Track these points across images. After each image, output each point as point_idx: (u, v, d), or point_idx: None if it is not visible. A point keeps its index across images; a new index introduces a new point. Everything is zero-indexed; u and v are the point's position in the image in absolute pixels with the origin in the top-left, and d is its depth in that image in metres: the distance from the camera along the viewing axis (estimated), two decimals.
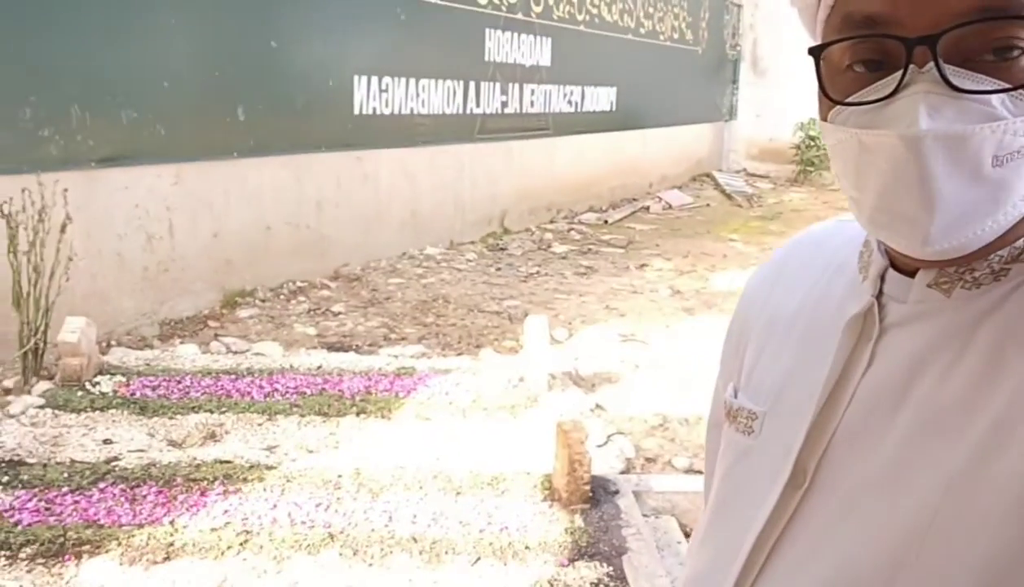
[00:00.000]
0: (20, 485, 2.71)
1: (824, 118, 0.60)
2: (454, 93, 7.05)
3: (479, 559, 2.41)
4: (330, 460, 2.96)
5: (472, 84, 7.24)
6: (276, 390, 3.54)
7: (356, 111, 6.01)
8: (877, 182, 0.56)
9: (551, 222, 8.57)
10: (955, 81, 0.52)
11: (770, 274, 0.79)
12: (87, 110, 4.22)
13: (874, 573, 0.57)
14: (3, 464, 2.85)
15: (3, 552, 2.35)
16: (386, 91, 6.28)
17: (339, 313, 4.98)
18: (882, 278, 0.64)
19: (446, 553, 2.43)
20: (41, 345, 3.58)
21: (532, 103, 8.23)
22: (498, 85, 7.60)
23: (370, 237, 6.27)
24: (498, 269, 6.42)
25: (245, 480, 2.78)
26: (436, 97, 6.84)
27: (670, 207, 10.11)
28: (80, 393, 3.41)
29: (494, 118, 7.62)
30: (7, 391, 3.50)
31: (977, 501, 0.53)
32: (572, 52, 8.67)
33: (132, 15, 4.39)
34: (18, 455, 2.92)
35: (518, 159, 8.10)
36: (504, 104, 7.76)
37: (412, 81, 6.54)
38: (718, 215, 9.80)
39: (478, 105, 7.37)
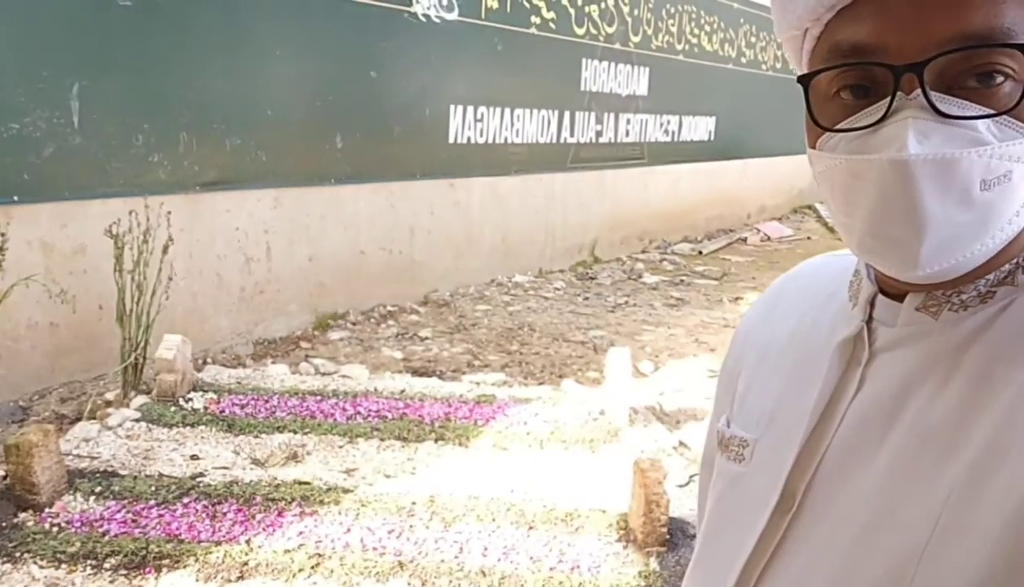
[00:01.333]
0: (111, 496, 2.81)
1: (812, 145, 0.62)
2: (548, 122, 7.07)
3: None
4: (406, 486, 2.96)
5: (567, 114, 7.25)
6: (359, 413, 3.58)
7: (451, 140, 6.10)
8: (867, 207, 0.57)
9: (643, 252, 8.46)
10: (942, 107, 0.54)
11: (763, 308, 0.81)
12: (194, 137, 4.42)
13: None
14: (98, 474, 2.97)
15: (89, 561, 2.44)
16: (481, 121, 6.36)
17: (426, 338, 5.02)
18: (872, 304, 0.65)
19: None
20: (141, 360, 3.74)
21: (627, 132, 8.17)
22: (593, 115, 7.59)
23: (460, 263, 6.33)
24: (586, 298, 6.36)
25: (322, 502, 2.81)
26: (530, 126, 6.88)
27: (768, 239, 9.84)
28: (173, 408, 3.54)
29: (588, 147, 7.61)
30: (108, 403, 3.66)
31: (972, 521, 0.53)
32: (670, 82, 8.59)
33: (240, 46, 4.59)
34: (112, 466, 3.04)
35: (611, 188, 8.05)
36: (599, 133, 7.74)
37: (507, 111, 6.60)
38: (819, 248, 9.45)
39: (572, 134, 7.37)
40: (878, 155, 0.55)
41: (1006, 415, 0.54)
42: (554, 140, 7.17)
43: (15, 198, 3.65)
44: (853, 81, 0.58)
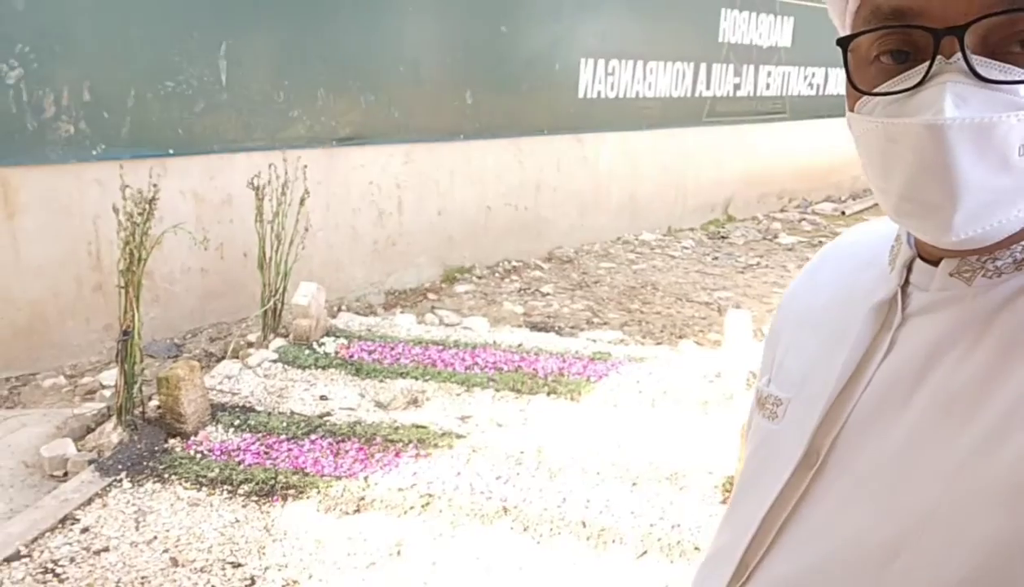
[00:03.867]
0: (248, 429, 3.07)
1: (851, 109, 0.61)
2: (683, 76, 6.89)
3: (645, 553, 2.39)
4: (516, 435, 3.06)
5: (703, 66, 7.03)
6: (477, 363, 3.71)
7: (581, 94, 6.07)
8: (903, 171, 0.56)
9: (781, 211, 8.16)
10: (982, 71, 0.53)
11: (809, 273, 0.81)
12: (331, 93, 4.63)
13: (876, 551, 0.58)
14: (237, 409, 3.24)
15: (226, 486, 2.69)
16: (612, 74, 6.28)
17: (547, 294, 5.09)
18: (909, 269, 0.65)
19: (613, 542, 2.43)
20: (279, 306, 4.00)
21: (768, 86, 7.85)
22: (731, 67, 7.33)
23: (586, 220, 6.33)
24: (715, 258, 6.23)
25: (436, 446, 2.95)
26: (664, 80, 6.73)
27: None
28: (307, 351, 3.78)
29: (725, 101, 7.36)
30: (250, 344, 3.96)
31: (982, 485, 0.54)
32: (816, 32, 8.12)
33: (376, 5, 4.73)
34: (250, 402, 3.31)
35: (749, 144, 7.78)
36: (737, 87, 7.47)
37: (640, 64, 6.48)
38: None
39: (708, 88, 7.16)
40: (914, 119, 0.54)
41: None
42: (689, 94, 6.99)
43: (170, 151, 3.97)
44: (893, 45, 0.58)
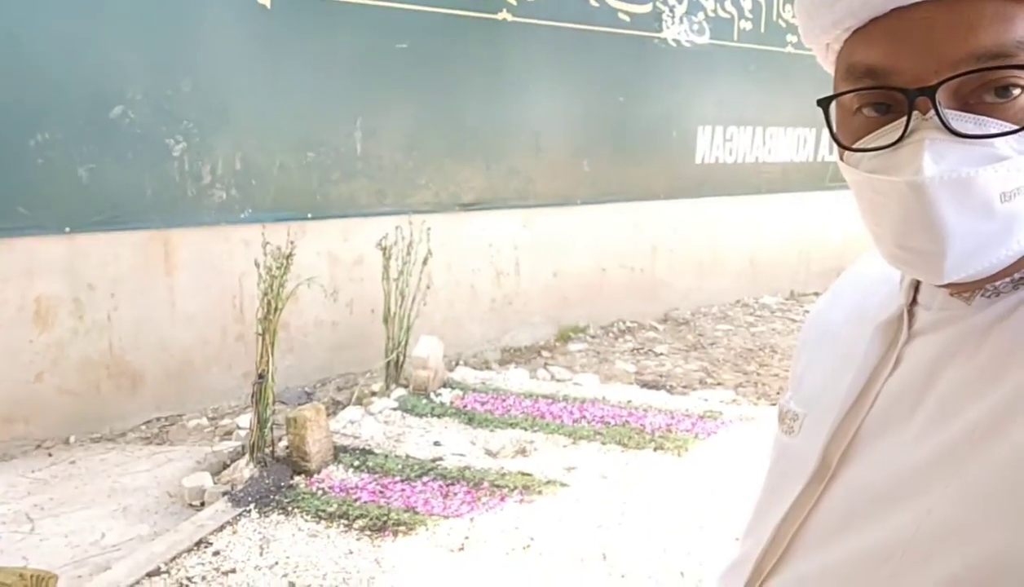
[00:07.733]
0: (366, 470, 3.27)
1: (841, 158, 0.64)
2: (804, 141, 6.86)
3: None
4: (620, 487, 3.11)
5: (824, 131, 6.96)
6: (584, 417, 3.79)
7: (698, 161, 6.15)
8: (891, 223, 0.59)
9: None
10: (957, 127, 0.55)
11: (832, 292, 0.84)
12: (456, 162, 4.92)
13: (872, 556, 0.60)
14: (358, 451, 3.45)
15: (343, 521, 2.87)
16: (731, 140, 6.34)
17: (661, 354, 5.12)
18: (917, 289, 0.68)
19: None
20: (401, 358, 4.24)
21: None
22: None
23: (703, 283, 6.33)
24: None
25: (540, 493, 3.04)
26: (784, 145, 6.72)
27: None
28: (424, 401, 3.98)
29: None
30: (373, 393, 4.20)
31: (976, 486, 0.54)
32: None
33: (498, 81, 5.02)
34: (369, 445, 3.51)
35: None
36: None
37: (759, 130, 6.51)
38: None
39: (831, 152, 7.06)
40: (896, 178, 0.56)
41: (1017, 391, 0.55)
42: (811, 158, 6.94)
43: (308, 215, 4.33)
44: (872, 99, 0.60)
